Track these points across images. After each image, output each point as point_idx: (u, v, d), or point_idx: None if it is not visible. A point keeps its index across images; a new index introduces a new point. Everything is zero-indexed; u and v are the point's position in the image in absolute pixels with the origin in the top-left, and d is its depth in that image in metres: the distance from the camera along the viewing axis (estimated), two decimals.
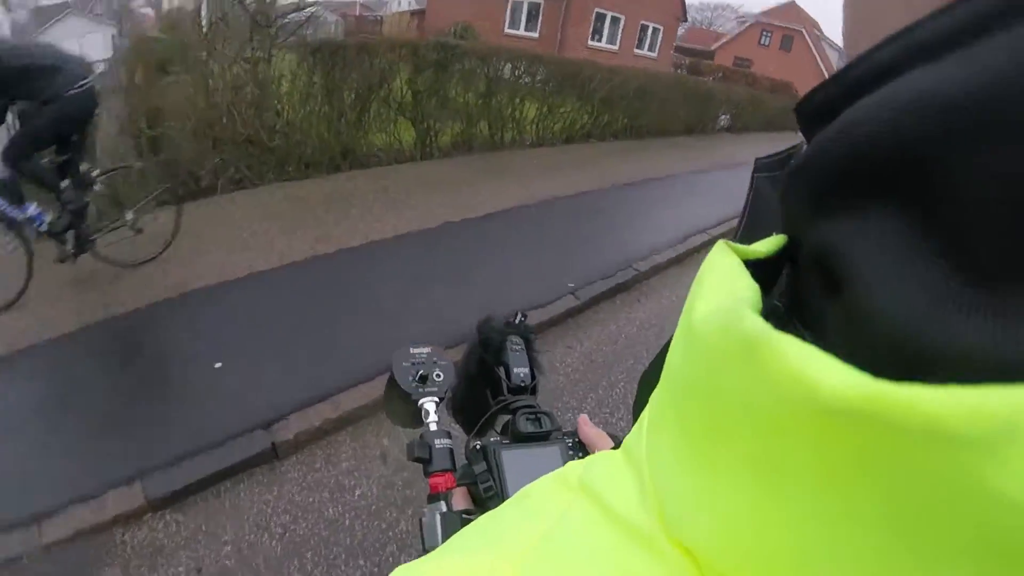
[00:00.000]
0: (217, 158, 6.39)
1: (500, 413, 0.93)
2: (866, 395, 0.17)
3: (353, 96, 7.39)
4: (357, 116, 7.52)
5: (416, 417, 0.99)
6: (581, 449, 0.83)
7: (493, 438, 0.84)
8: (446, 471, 0.89)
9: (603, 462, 0.32)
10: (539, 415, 0.85)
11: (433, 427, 0.94)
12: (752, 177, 0.41)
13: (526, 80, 9.46)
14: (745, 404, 0.21)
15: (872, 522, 0.17)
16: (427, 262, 5.22)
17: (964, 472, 0.15)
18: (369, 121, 7.70)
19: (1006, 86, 0.17)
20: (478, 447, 0.81)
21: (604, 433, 0.84)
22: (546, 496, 0.32)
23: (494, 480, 0.77)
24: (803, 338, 0.20)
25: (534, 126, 9.98)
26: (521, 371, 0.95)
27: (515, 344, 0.98)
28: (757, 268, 0.28)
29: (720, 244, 0.30)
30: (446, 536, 0.74)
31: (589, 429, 0.84)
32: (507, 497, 0.57)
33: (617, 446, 0.41)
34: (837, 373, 0.18)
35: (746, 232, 0.40)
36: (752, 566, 0.21)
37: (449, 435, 0.94)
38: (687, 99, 13.30)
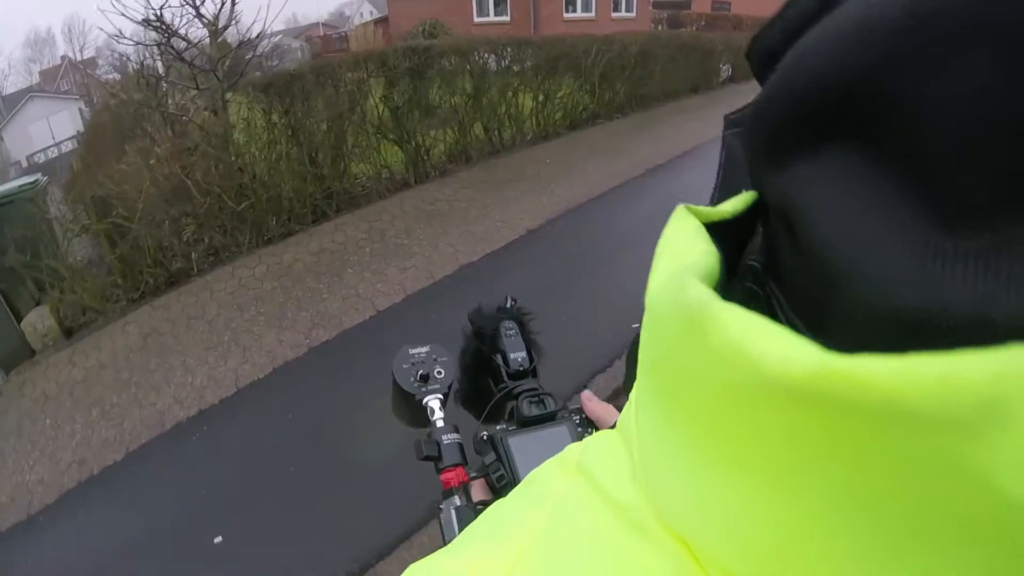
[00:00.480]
0: (185, 236, 5.38)
1: (504, 400, 0.89)
2: (813, 371, 0.15)
3: (325, 127, 6.27)
4: (333, 151, 6.39)
5: (423, 417, 0.94)
6: (590, 425, 0.82)
7: (500, 426, 0.82)
8: (457, 466, 0.84)
9: (600, 442, 0.31)
10: (542, 397, 0.85)
11: (440, 423, 0.90)
12: (723, 135, 0.35)
13: (516, 69, 8.28)
14: (695, 380, 0.20)
15: (839, 506, 0.16)
16: (451, 326, 4.00)
17: (939, 456, 0.13)
18: (347, 153, 6.58)
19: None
20: (484, 437, 0.82)
21: (610, 406, 0.83)
22: (548, 481, 0.32)
23: (504, 468, 0.77)
24: (776, 299, 0.20)
25: (533, 119, 8.82)
26: (518, 356, 0.92)
27: (509, 329, 0.95)
28: (728, 229, 0.27)
29: (679, 209, 0.28)
30: (463, 529, 0.50)
31: (594, 405, 0.83)
32: (518, 481, 0.60)
33: None
34: (781, 347, 0.16)
35: (721, 194, 0.34)
36: (736, 550, 0.20)
37: (456, 429, 0.89)
38: (688, 56, 12.07)
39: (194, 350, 4.35)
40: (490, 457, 0.80)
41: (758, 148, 0.24)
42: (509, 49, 8.15)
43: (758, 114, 0.23)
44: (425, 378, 0.95)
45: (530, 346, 0.96)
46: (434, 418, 0.92)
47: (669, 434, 0.23)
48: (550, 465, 0.34)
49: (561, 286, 4.55)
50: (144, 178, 5.16)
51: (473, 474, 0.84)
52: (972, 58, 0.15)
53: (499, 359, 0.94)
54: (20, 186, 6.15)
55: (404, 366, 0.97)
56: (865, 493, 0.15)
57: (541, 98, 8.79)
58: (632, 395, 0.30)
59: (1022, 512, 0.12)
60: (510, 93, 8.23)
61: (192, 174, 5.34)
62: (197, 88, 5.92)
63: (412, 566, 0.31)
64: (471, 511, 0.78)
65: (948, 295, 0.15)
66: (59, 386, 4.30)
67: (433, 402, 0.93)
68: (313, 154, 6.19)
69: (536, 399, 0.85)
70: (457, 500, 0.81)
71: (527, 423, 0.83)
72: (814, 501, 0.17)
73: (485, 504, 0.77)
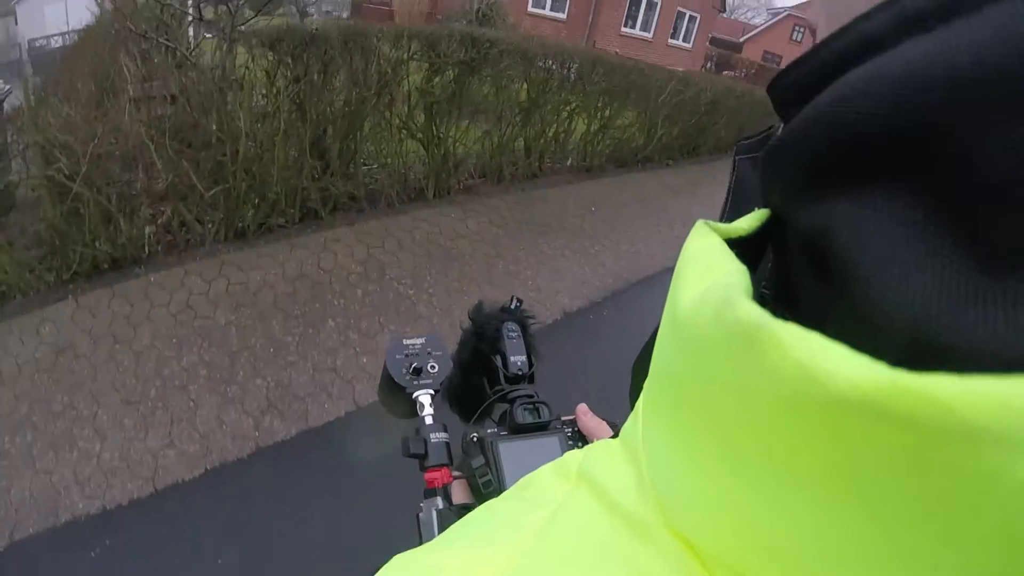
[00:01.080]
0: (139, 211, 4.07)
1: (497, 402, 0.89)
2: (883, 385, 0.15)
3: (341, 107, 4.89)
4: (343, 139, 5.01)
5: (409, 408, 0.96)
6: (580, 439, 0.82)
7: (491, 429, 0.81)
8: (442, 466, 0.86)
9: (601, 451, 0.31)
10: (537, 405, 0.83)
11: (428, 420, 0.92)
12: (734, 160, 0.38)
13: (578, 85, 6.94)
14: (743, 396, 0.20)
15: (889, 519, 0.16)
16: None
17: (991, 469, 0.14)
18: (360, 143, 5.19)
19: (1012, 57, 0.16)
20: (475, 439, 0.80)
21: (604, 422, 0.83)
22: (545, 486, 0.32)
23: (492, 473, 0.76)
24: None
25: (581, 146, 7.54)
26: (518, 359, 0.90)
27: (511, 331, 0.93)
28: (740, 247, 0.27)
29: (699, 224, 0.29)
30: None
31: (589, 420, 0.83)
32: (505, 488, 0.68)
33: (616, 435, 0.45)
34: (849, 362, 0.16)
35: (730, 217, 0.37)
36: (756, 559, 0.20)
37: (445, 428, 0.91)
38: (752, 110, 10.99)
39: (110, 398, 3.09)
40: (478, 460, 0.77)
41: (789, 180, 0.24)
42: (577, 63, 6.83)
43: (790, 147, 0.24)
44: (418, 371, 0.94)
45: (530, 351, 0.92)
46: (423, 414, 0.90)
47: (692, 446, 0.23)
48: (547, 471, 0.34)
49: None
50: (98, 125, 3.82)
51: (456, 474, 0.82)
52: None
53: (498, 360, 0.91)
54: None
55: (397, 356, 0.94)
56: (918, 505, 0.16)
57: (596, 126, 7.52)
58: (638, 405, 0.30)
59: None
60: (565, 113, 6.96)
61: (157, 135, 3.99)
62: (200, 18, 4.59)
63: (396, 558, 0.30)
64: (453, 515, 0.75)
65: (987, 337, 0.16)
66: None
67: (424, 397, 0.92)
68: (318, 139, 4.82)
69: (531, 406, 0.83)
70: (439, 502, 0.80)
71: (519, 430, 0.80)
72: (865, 512, 0.17)
73: (466, 507, 0.76)
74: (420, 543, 0.69)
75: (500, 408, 0.89)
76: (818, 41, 0.25)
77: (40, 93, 4.76)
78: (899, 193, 0.19)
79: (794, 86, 0.25)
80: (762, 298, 0.24)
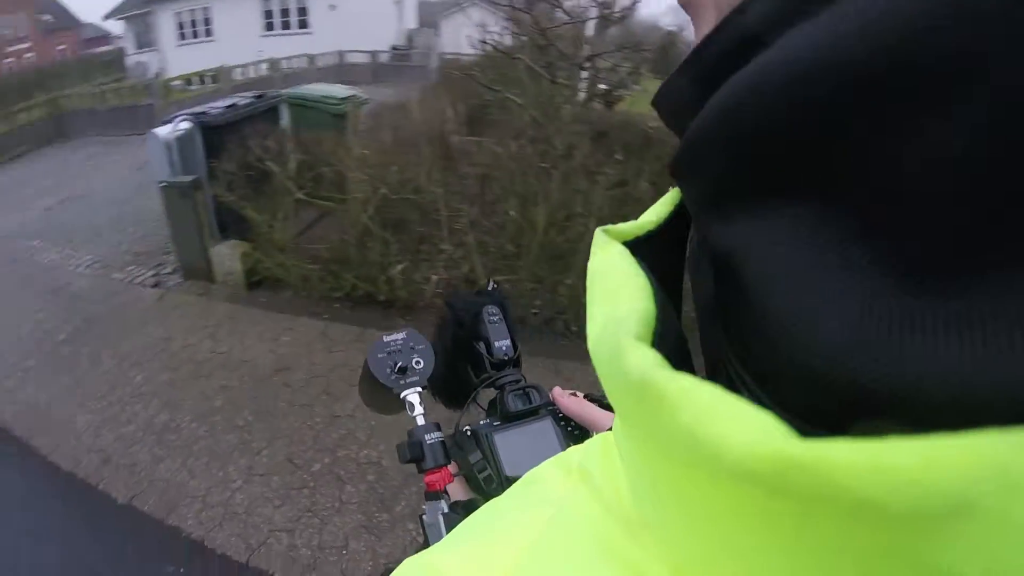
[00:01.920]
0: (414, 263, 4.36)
1: (484, 389, 0.88)
2: (773, 459, 0.14)
3: None
4: None
5: (394, 404, 0.88)
6: (568, 421, 0.80)
7: (482, 420, 0.81)
8: (441, 467, 0.80)
9: (598, 447, 0.31)
10: (527, 389, 0.82)
11: (420, 421, 0.84)
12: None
13: None
14: (659, 449, 0.19)
15: None
16: None
17: (905, 550, 0.13)
18: None
19: (911, 42, 0.14)
20: (468, 432, 0.80)
21: (582, 399, 0.81)
22: (548, 482, 0.32)
23: (491, 467, 0.75)
24: (724, 346, 0.19)
25: None
26: (503, 344, 0.88)
27: (492, 314, 0.90)
28: (655, 240, 0.26)
29: (597, 234, 0.26)
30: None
31: (567, 401, 0.80)
32: (505, 480, 0.71)
33: (599, 403, 0.56)
34: (738, 431, 0.15)
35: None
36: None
37: (439, 426, 0.84)
38: None
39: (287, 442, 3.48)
40: (475, 455, 0.76)
41: (691, 194, 0.23)
42: None
43: (686, 163, 0.22)
44: (403, 370, 0.87)
45: (513, 333, 0.90)
46: (414, 414, 0.85)
47: (641, 463, 0.22)
48: (549, 466, 0.34)
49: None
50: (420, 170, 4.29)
51: (453, 471, 0.80)
52: (949, 118, 0.13)
53: (481, 347, 0.89)
54: (341, 99, 6.00)
55: (379, 355, 0.88)
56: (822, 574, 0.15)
57: None
58: None
59: None
60: None
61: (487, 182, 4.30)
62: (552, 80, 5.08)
63: (406, 561, 0.31)
64: (459, 517, 0.71)
65: (915, 366, 0.14)
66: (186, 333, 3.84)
67: (412, 397, 0.86)
68: None
69: (521, 392, 0.82)
70: (444, 505, 0.77)
71: (511, 417, 0.80)
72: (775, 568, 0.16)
73: (469, 504, 0.75)
74: (426, 545, 0.70)
75: (487, 394, 0.88)
76: (697, 40, 0.23)
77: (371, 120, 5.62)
78: (805, 209, 0.17)
79: (675, 100, 0.24)
80: (706, 308, 0.24)
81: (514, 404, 0.81)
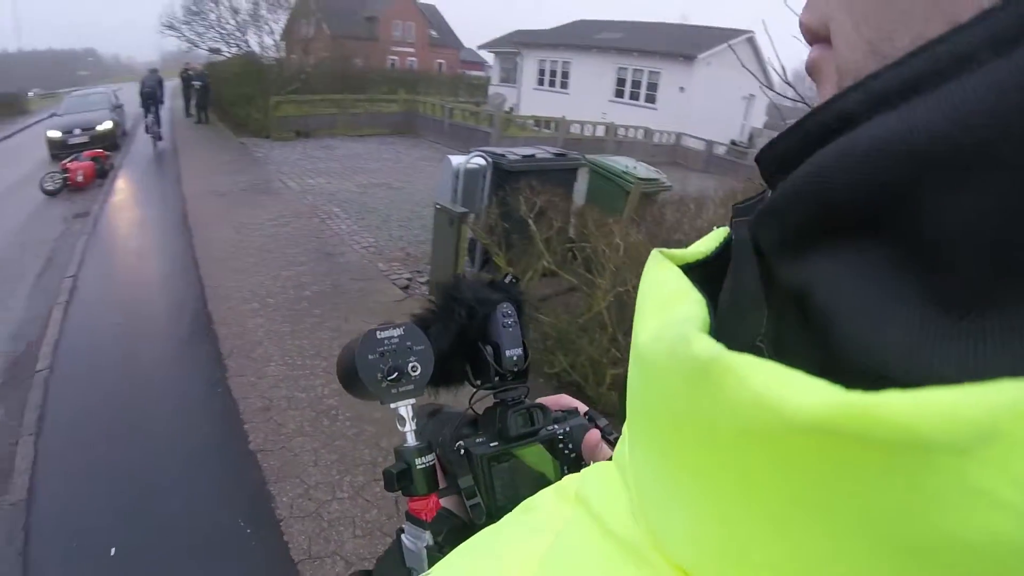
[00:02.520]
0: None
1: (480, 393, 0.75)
2: (835, 408, 0.16)
3: None
4: None
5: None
6: (566, 443, 0.70)
7: (479, 439, 0.69)
8: (430, 494, 0.68)
9: (598, 474, 0.32)
10: (532, 411, 0.71)
11: (411, 440, 0.68)
12: (731, 222, 0.36)
13: None
14: (705, 429, 0.21)
15: (854, 538, 0.17)
16: None
17: (943, 477, 0.15)
18: None
19: (966, 129, 0.17)
20: (462, 451, 0.68)
21: (563, 397, 0.77)
22: (546, 510, 0.33)
23: (482, 495, 0.66)
24: None
25: None
26: (515, 353, 0.72)
27: (507, 315, 0.72)
28: (701, 269, 0.30)
29: (654, 254, 0.29)
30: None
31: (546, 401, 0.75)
32: (496, 511, 0.63)
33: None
34: (802, 388, 0.18)
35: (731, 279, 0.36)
36: None
37: (431, 447, 0.69)
38: None
39: None
40: (467, 480, 0.66)
41: (774, 241, 0.26)
42: None
43: (775, 213, 0.26)
44: (397, 377, 0.68)
45: (526, 340, 0.74)
46: (404, 429, 0.69)
47: (670, 475, 0.24)
48: (549, 494, 0.34)
49: None
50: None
51: (443, 494, 0.68)
52: (987, 183, 0.17)
53: (488, 352, 0.72)
54: (640, 178, 6.09)
55: (370, 357, 0.68)
56: (873, 520, 0.16)
57: None
58: (625, 429, 0.31)
59: (1012, 513, 0.14)
60: None
61: None
62: None
63: None
64: (437, 552, 0.63)
65: (942, 368, 0.17)
66: None
67: (404, 410, 0.69)
68: None
69: (525, 412, 0.70)
70: (429, 539, 0.65)
71: (510, 440, 0.69)
72: (830, 532, 0.18)
73: (456, 538, 0.63)
74: (403, 561, 0.66)
75: (490, 411, 0.74)
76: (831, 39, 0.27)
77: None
78: (868, 250, 0.20)
79: (779, 158, 0.27)
80: (758, 351, 0.25)
81: (516, 426, 0.70)
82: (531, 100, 23.95)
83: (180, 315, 5.46)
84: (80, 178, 10.55)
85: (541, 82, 24.66)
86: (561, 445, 0.70)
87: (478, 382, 0.75)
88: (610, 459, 0.35)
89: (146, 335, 5.15)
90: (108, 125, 14.43)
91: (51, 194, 10.22)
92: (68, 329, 5.29)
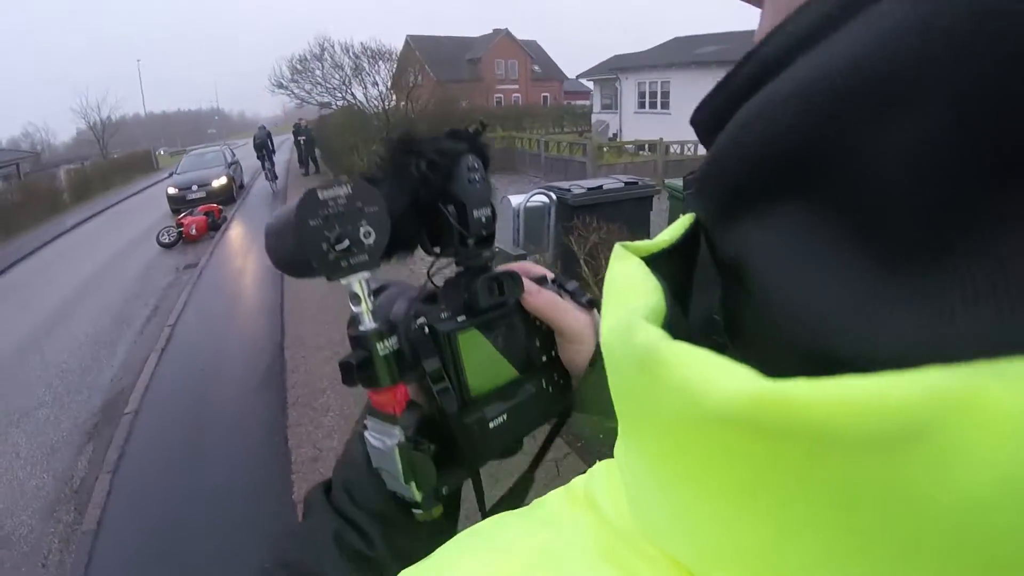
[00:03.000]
0: None
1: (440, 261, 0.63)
2: (749, 398, 0.16)
3: None
4: None
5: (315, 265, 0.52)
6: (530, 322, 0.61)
7: (443, 314, 0.57)
8: (396, 384, 0.54)
9: (603, 471, 0.31)
10: (501, 280, 0.59)
11: (368, 321, 0.53)
12: (684, 196, 0.35)
13: None
14: (655, 417, 0.20)
15: (792, 524, 0.17)
16: None
17: (871, 474, 0.14)
18: None
19: (882, 58, 0.16)
20: (424, 328, 0.56)
21: (556, 297, 0.61)
22: (554, 507, 0.32)
23: (451, 379, 0.56)
24: (732, 354, 0.19)
25: None
26: (483, 213, 0.59)
27: (472, 168, 0.58)
28: (668, 257, 0.28)
29: (617, 249, 0.29)
30: (409, 469, 0.53)
31: (538, 300, 0.60)
32: (469, 400, 0.56)
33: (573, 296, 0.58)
34: (723, 378, 0.17)
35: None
36: (716, 567, 0.20)
37: (393, 328, 0.55)
38: None
39: None
40: (432, 363, 0.55)
41: (708, 208, 0.25)
42: None
43: (707, 176, 0.24)
44: (348, 247, 0.52)
45: (493, 198, 0.62)
46: (359, 310, 0.54)
47: (641, 462, 0.24)
48: (558, 494, 0.33)
49: None
50: None
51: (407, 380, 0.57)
52: (916, 118, 0.15)
53: (451, 212, 0.58)
54: None
55: (312, 222, 0.51)
56: (812, 511, 0.16)
57: None
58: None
59: (950, 516, 0.13)
60: None
61: None
62: None
63: (402, 573, 0.31)
64: (412, 449, 0.53)
65: (891, 339, 0.16)
66: None
67: (358, 285, 0.53)
68: None
69: (494, 281, 0.59)
70: (398, 433, 0.53)
71: (478, 314, 0.58)
72: (770, 520, 0.17)
73: (421, 425, 0.55)
74: (368, 468, 0.56)
75: (453, 281, 0.61)
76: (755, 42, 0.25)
77: None
78: (799, 210, 0.19)
79: (709, 118, 0.25)
80: (715, 324, 0.25)
81: (485, 297, 0.58)
82: (633, 124, 23.57)
83: (258, 362, 5.64)
84: (193, 231, 11.35)
85: (642, 105, 24.22)
86: (539, 322, 0.62)
87: (437, 249, 0.62)
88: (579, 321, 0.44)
89: (225, 380, 5.39)
90: (223, 181, 15.59)
91: (167, 246, 11.08)
92: (159, 375, 5.64)
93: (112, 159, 39.08)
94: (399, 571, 0.31)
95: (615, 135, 23.79)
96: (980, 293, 0.14)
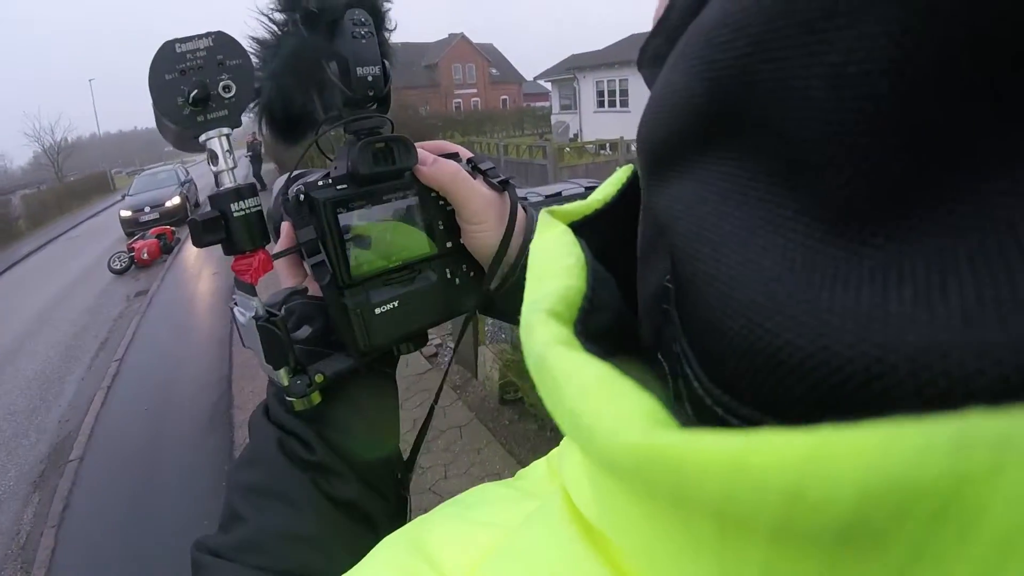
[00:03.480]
0: None
1: (333, 129, 0.57)
2: (630, 449, 0.13)
3: None
4: None
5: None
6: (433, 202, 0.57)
7: (321, 181, 0.54)
8: (257, 249, 0.50)
9: (573, 452, 0.29)
10: (390, 144, 0.54)
11: (227, 180, 0.50)
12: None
13: None
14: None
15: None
16: None
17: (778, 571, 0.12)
18: None
19: None
20: (300, 196, 0.52)
21: (456, 166, 0.55)
22: (537, 479, 0.32)
23: (328, 254, 0.51)
24: (675, 327, 0.18)
25: None
26: (368, 71, 0.54)
27: (359, 23, 0.53)
28: (606, 217, 0.26)
29: (541, 215, 0.25)
30: (267, 347, 0.50)
31: (433, 169, 0.54)
32: (347, 279, 0.52)
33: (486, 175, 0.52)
34: (610, 415, 0.14)
35: None
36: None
37: (255, 189, 0.51)
38: None
39: None
40: (307, 232, 0.52)
41: (642, 165, 0.23)
42: None
43: (641, 133, 0.22)
44: (203, 99, 0.48)
45: (386, 55, 0.56)
46: (218, 168, 0.51)
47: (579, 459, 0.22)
48: (541, 465, 0.33)
49: None
50: None
51: (275, 252, 0.56)
52: (854, 34, 0.12)
53: (333, 69, 0.54)
54: None
55: (168, 76, 0.48)
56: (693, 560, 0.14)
57: None
58: None
59: None
60: None
61: None
62: None
63: (389, 537, 0.30)
64: (280, 335, 0.50)
65: (834, 327, 0.12)
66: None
67: (216, 142, 0.50)
68: None
69: (383, 146, 0.54)
70: (257, 306, 0.51)
71: (364, 181, 0.54)
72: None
73: (294, 297, 0.54)
74: (242, 342, 0.53)
75: (341, 145, 0.56)
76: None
77: None
78: (726, 162, 0.16)
79: (653, 57, 0.23)
80: (666, 291, 0.21)
81: (367, 163, 0.53)
82: (593, 124, 23.62)
83: (206, 398, 5.40)
84: (145, 255, 10.99)
85: (601, 104, 24.28)
86: (435, 193, 0.56)
87: (328, 115, 0.58)
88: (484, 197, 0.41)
89: (171, 421, 5.15)
90: (176, 201, 15.15)
91: (118, 273, 10.72)
92: (104, 415, 5.39)
93: (68, 182, 38.28)
94: (342, 470, 0.31)
95: (575, 135, 23.80)
96: (947, 267, 0.11)
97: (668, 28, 0.21)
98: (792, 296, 0.13)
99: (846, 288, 0.12)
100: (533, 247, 0.23)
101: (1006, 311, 0.10)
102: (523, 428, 4.03)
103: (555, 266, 0.21)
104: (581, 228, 0.24)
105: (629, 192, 0.27)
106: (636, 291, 0.25)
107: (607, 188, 0.27)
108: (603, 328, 0.19)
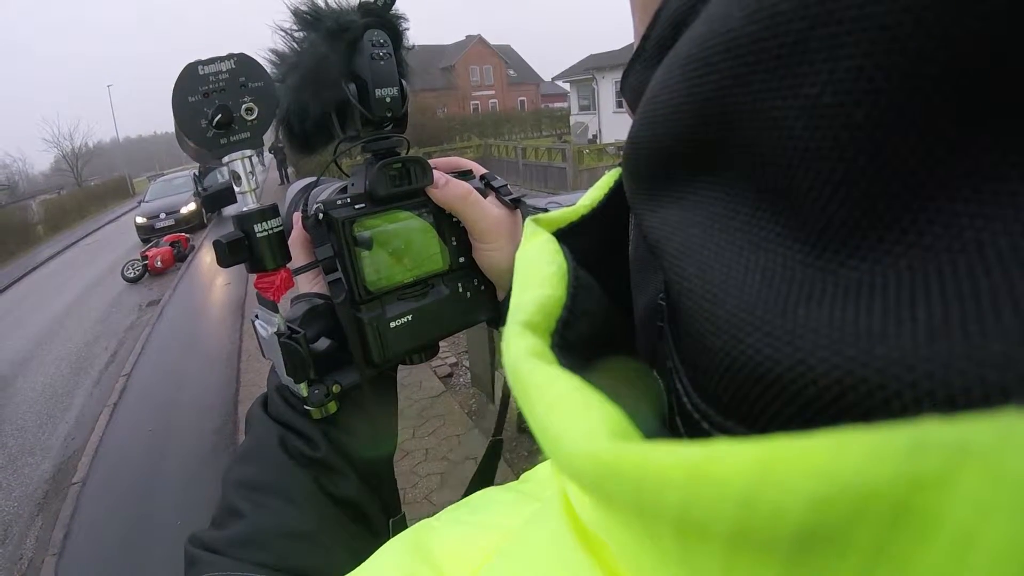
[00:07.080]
0: None
1: (351, 147, 0.60)
2: (591, 459, 0.13)
3: None
4: None
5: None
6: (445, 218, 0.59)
7: (340, 200, 0.55)
8: (278, 268, 0.54)
9: None
10: (408, 166, 0.56)
11: (250, 201, 0.53)
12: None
13: None
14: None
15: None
16: None
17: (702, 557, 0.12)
18: None
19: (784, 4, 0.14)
20: (320, 214, 0.54)
21: (469, 187, 0.57)
22: (541, 481, 0.32)
23: (346, 270, 0.54)
24: (670, 346, 0.18)
25: None
26: (387, 93, 0.55)
27: (377, 44, 0.54)
28: (592, 223, 0.26)
29: (528, 224, 0.25)
30: (289, 362, 0.51)
31: (446, 192, 0.57)
32: (364, 294, 0.54)
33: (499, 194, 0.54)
34: (575, 427, 0.14)
35: None
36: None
37: (276, 210, 0.53)
38: None
39: None
40: (324, 251, 0.54)
41: (631, 191, 0.23)
42: None
43: (627, 158, 0.22)
44: (226, 122, 0.50)
45: (404, 77, 0.57)
46: (240, 190, 0.53)
47: None
48: (544, 467, 0.32)
49: None
50: None
51: (295, 268, 0.58)
52: (829, 66, 0.13)
53: (352, 91, 0.55)
54: None
55: (192, 99, 0.50)
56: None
57: None
58: None
59: None
60: None
61: None
62: None
63: (394, 539, 0.31)
64: (295, 344, 0.51)
65: (814, 345, 0.13)
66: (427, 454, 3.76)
67: (239, 164, 0.53)
68: None
69: (400, 168, 0.56)
70: (279, 323, 0.53)
71: (381, 202, 0.56)
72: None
73: (312, 314, 0.55)
74: (262, 353, 0.55)
75: (358, 165, 0.59)
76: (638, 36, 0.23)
77: None
78: (713, 187, 0.17)
79: (631, 88, 0.23)
80: (661, 310, 0.22)
81: (384, 185, 0.55)
82: (613, 125, 23.29)
83: (210, 421, 5.17)
84: (159, 263, 10.89)
85: (620, 104, 23.91)
86: (453, 217, 0.58)
87: (347, 134, 0.58)
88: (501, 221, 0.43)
89: (175, 444, 4.94)
90: (192, 207, 15.14)
91: (132, 281, 10.63)
92: (108, 436, 5.20)
93: (87, 187, 38.63)
94: (343, 469, 0.36)
95: (595, 137, 23.52)
96: (916, 284, 0.12)
97: (645, 59, 0.21)
98: (771, 313, 0.14)
99: (821, 305, 0.13)
100: (517, 257, 0.23)
101: (970, 326, 0.11)
102: (541, 461, 3.80)
103: (537, 276, 0.21)
104: (568, 234, 0.25)
105: (617, 196, 0.27)
106: (629, 291, 0.26)
107: (594, 193, 0.27)
108: (584, 335, 0.20)
